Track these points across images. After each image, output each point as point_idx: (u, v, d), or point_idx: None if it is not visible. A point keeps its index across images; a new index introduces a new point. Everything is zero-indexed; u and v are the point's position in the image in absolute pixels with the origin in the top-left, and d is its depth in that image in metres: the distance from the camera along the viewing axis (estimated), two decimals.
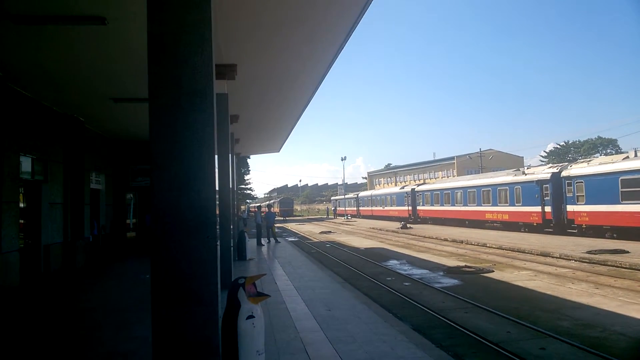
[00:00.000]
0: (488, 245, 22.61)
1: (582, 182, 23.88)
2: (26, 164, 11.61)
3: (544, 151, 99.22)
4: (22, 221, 11.32)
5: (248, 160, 65.82)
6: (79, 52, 8.74)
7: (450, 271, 15.43)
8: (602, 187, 22.37)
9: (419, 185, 50.20)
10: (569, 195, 24.73)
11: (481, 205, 33.42)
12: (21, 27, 7.26)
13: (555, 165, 30.79)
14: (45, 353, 6.70)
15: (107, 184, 18.24)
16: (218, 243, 3.82)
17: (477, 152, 73.23)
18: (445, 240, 26.76)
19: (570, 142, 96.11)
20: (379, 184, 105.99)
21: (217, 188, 3.88)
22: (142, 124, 14.94)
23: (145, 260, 4.47)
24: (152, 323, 3.66)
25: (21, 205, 11.38)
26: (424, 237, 29.65)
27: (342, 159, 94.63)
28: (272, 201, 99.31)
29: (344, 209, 74.87)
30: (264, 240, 24.49)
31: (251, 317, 4.28)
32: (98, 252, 16.48)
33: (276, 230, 26.95)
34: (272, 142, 24.58)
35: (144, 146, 17.63)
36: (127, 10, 6.75)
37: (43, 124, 12.43)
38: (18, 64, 9.35)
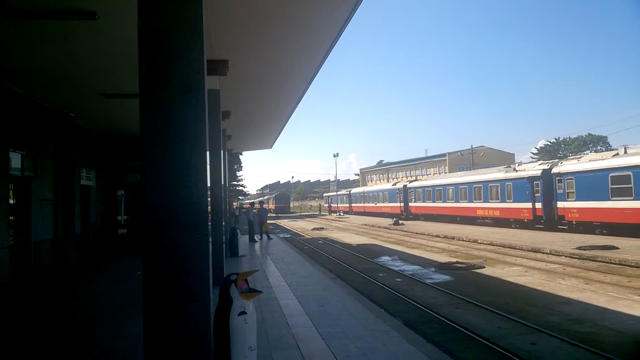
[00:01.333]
0: (479, 241, 22.73)
1: (572, 178, 24.05)
2: (16, 160, 11.50)
3: (535, 148, 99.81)
4: (11, 218, 11.23)
5: (240, 156, 65.57)
6: (70, 48, 8.66)
7: (441, 267, 15.51)
8: (592, 184, 22.56)
9: (411, 181, 50.35)
10: (560, 191, 24.91)
11: (472, 202, 33.59)
12: (11, 21, 7.18)
13: (546, 162, 30.99)
14: (36, 350, 6.67)
15: (98, 180, 18.12)
16: (210, 239, 3.82)
17: (468, 149, 73.47)
18: (437, 236, 26.87)
19: (560, 139, 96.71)
20: (371, 181, 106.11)
21: (208, 184, 3.87)
22: (133, 120, 14.84)
23: (137, 257, 4.47)
24: (143, 320, 3.65)
25: (11, 201, 11.27)
26: (416, 233, 29.75)
27: (334, 156, 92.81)
28: (266, 197, 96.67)
29: (336, 205, 74.92)
30: (256, 237, 24.47)
31: (243, 313, 4.29)
32: (89, 248, 16.39)
33: (269, 227, 26.94)
34: (265, 138, 24.53)
35: (135, 142, 17.49)
36: (118, 5, 6.70)
37: (33, 119, 12.32)
38: (8, 59, 9.25)
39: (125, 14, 6.78)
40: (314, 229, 38.98)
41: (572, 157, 30.62)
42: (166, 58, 3.76)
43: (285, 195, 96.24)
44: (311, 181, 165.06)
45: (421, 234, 29.10)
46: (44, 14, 6.97)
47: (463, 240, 23.97)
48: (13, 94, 11.10)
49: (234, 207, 53.53)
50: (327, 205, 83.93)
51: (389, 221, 40.28)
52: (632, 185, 20.33)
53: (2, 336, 7.39)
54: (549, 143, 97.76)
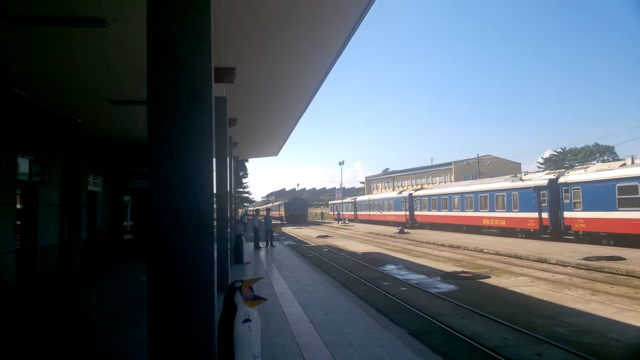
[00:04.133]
0: (485, 250, 22.62)
1: (579, 188, 23.93)
2: (23, 165, 11.57)
3: (542, 157, 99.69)
4: (18, 222, 11.28)
5: (246, 163, 65.67)
6: (78, 54, 8.74)
7: (447, 276, 15.43)
8: (599, 194, 22.43)
9: (416, 190, 50.28)
10: (566, 201, 24.78)
11: (478, 211, 33.45)
12: (21, 28, 7.25)
13: (553, 171, 30.87)
14: (41, 355, 6.68)
15: (105, 186, 18.20)
16: (215, 246, 3.82)
17: (474, 158, 73.38)
18: (443, 245, 26.76)
19: (567, 149, 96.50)
20: (377, 189, 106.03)
21: (214, 191, 3.88)
22: (140, 126, 14.94)
23: (142, 262, 4.47)
24: (148, 325, 3.65)
25: (18, 206, 11.33)
26: (421, 242, 29.65)
27: (340, 163, 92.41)
28: (276, 203, 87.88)
29: (340, 213, 74.68)
30: (261, 244, 24.47)
31: (247, 320, 4.28)
32: (95, 254, 16.43)
33: (273, 234, 26.94)
34: (271, 145, 24.56)
35: (142, 148, 17.61)
36: (127, 12, 6.76)
37: (41, 125, 12.41)
38: (17, 65, 9.34)
39: (134, 21, 6.84)
40: (318, 237, 38.92)
41: (579, 167, 30.50)
42: (174, 65, 3.79)
43: (300, 202, 78.81)
44: (316, 188, 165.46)
45: (426, 242, 29.00)
46: (54, 20, 7.04)
47: (469, 250, 23.86)
48: (21, 99, 11.19)
49: (240, 213, 53.42)
50: (332, 212, 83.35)
51: (394, 229, 40.18)
52: (639, 195, 20.21)
53: (7, 340, 7.41)
54: (555, 153, 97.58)
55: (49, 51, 8.53)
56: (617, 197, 21.29)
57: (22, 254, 11.45)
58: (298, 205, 73.66)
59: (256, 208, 42.42)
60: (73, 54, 8.73)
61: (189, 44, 3.81)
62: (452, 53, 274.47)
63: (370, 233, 41.26)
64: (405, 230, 38.75)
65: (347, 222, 68.10)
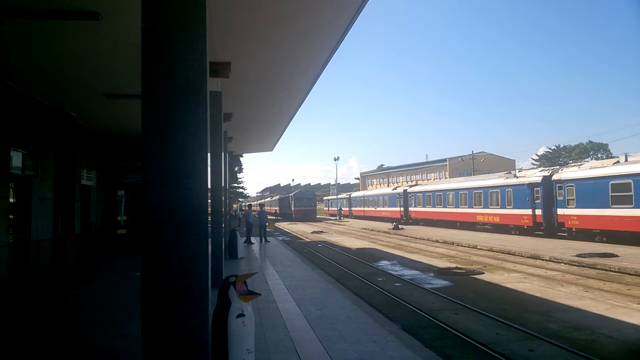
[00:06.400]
0: (479, 247, 22.71)
1: (572, 185, 24.05)
2: (17, 158, 11.50)
3: (536, 154, 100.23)
4: (11, 216, 11.22)
5: (241, 158, 65.60)
6: (72, 47, 8.68)
7: (440, 272, 15.49)
8: (592, 191, 22.56)
9: (411, 186, 50.36)
10: (560, 198, 24.91)
11: (472, 207, 33.57)
12: (15, 21, 7.19)
13: (547, 168, 30.99)
14: (34, 349, 6.66)
15: (99, 181, 18.12)
16: (209, 241, 3.81)
17: (469, 155, 73.60)
18: (437, 241, 26.85)
19: (561, 146, 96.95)
20: (372, 185, 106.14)
21: (209, 186, 3.88)
22: (134, 121, 14.87)
23: (136, 257, 4.46)
24: (141, 320, 3.65)
25: (11, 200, 11.27)
26: (416, 238, 29.74)
27: (335, 159, 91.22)
28: (275, 197, 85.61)
29: (335, 208, 74.56)
30: (253, 239, 24.49)
31: (241, 315, 4.28)
32: (88, 248, 16.37)
33: (267, 229, 26.97)
34: (266, 141, 24.56)
35: (136, 143, 17.53)
36: (122, 5, 6.72)
37: (34, 119, 12.33)
38: (11, 58, 9.27)
39: (129, 15, 6.81)
40: (313, 232, 38.97)
41: (573, 164, 30.63)
42: (169, 59, 3.77)
43: (308, 195, 65.67)
44: (311, 184, 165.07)
45: (421, 238, 29.09)
46: (48, 13, 6.99)
47: (462, 246, 23.95)
48: (15, 92, 11.11)
49: (234, 208, 53.21)
50: (326, 208, 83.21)
51: (388, 225, 40.27)
52: (632, 193, 20.32)
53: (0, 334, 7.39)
54: (549, 150, 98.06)
55: (43, 44, 8.46)
56: (611, 194, 21.42)
57: (15, 248, 11.40)
58: (306, 199, 61.97)
59: (249, 203, 42.20)
60: (67, 47, 8.67)
61: (184, 38, 3.79)
62: (448, 49, 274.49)
63: (364, 229, 41.35)
64: (400, 226, 38.86)
65: (341, 217, 68.08)
